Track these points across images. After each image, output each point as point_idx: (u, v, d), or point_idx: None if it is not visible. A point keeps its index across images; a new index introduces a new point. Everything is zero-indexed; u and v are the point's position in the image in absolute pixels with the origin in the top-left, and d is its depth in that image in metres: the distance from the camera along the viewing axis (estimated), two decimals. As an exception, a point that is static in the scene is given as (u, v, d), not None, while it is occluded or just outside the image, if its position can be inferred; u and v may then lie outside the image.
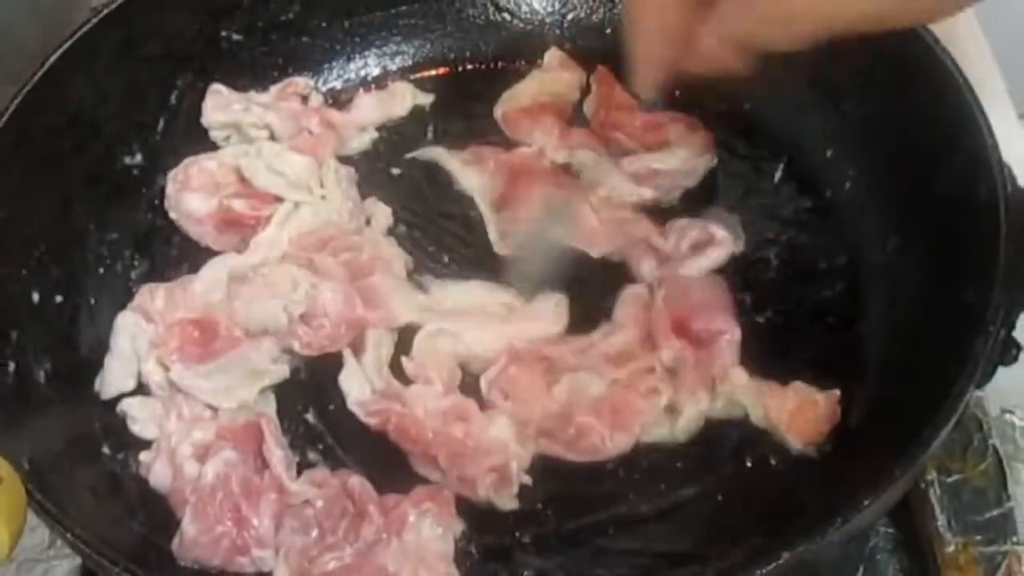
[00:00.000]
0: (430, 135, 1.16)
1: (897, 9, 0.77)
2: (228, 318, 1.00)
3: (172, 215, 1.09)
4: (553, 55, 1.19)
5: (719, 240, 1.02)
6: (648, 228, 1.04)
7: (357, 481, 0.89)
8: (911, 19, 0.81)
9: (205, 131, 1.13)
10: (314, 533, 0.88)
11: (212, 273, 1.03)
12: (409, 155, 1.14)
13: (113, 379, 0.98)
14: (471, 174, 1.11)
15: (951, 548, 0.89)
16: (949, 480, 0.92)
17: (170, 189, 1.09)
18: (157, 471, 0.93)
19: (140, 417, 0.97)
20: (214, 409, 0.96)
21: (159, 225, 1.09)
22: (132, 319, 1.01)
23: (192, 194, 1.08)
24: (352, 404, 0.97)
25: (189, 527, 0.87)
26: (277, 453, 0.90)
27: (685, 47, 0.84)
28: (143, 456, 0.95)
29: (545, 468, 0.92)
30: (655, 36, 0.85)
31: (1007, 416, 0.96)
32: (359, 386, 0.98)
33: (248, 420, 0.94)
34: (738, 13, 0.80)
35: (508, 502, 0.90)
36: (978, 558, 0.89)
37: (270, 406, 0.98)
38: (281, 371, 0.99)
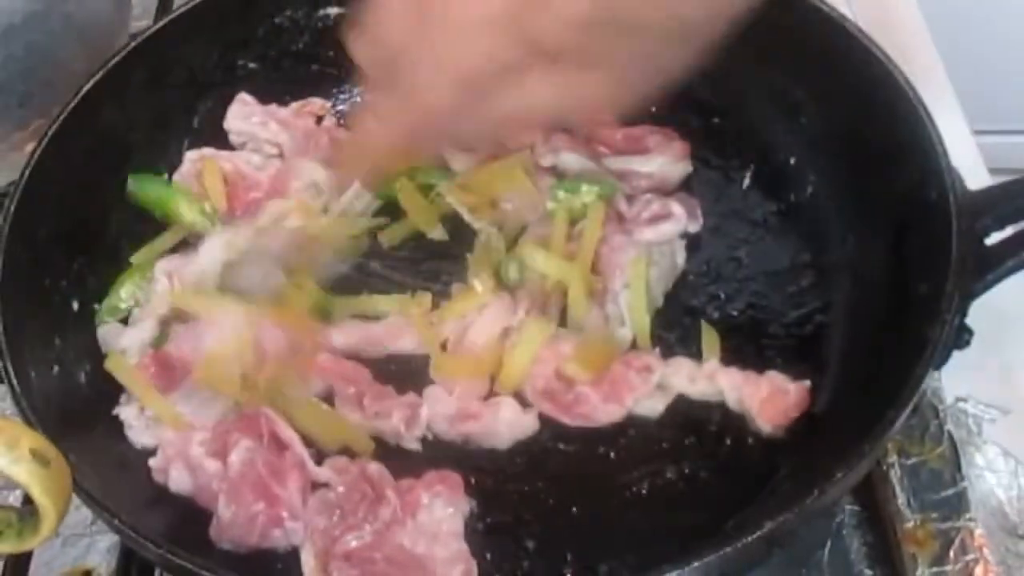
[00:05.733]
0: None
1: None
2: None
3: (196, 230, 1.09)
4: None
5: (676, 216, 1.04)
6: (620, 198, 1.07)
7: (375, 468, 0.91)
8: None
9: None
10: (336, 515, 0.89)
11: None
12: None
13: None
14: (461, 160, 1.09)
15: (910, 524, 0.91)
16: (908, 462, 0.94)
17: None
18: (175, 476, 0.91)
19: (136, 425, 0.95)
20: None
21: (183, 239, 1.09)
22: None
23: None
24: None
25: (225, 511, 0.88)
26: (289, 433, 0.91)
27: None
28: (152, 463, 0.93)
29: (545, 453, 0.94)
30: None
31: (960, 404, 0.98)
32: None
33: (245, 414, 0.93)
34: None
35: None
36: (935, 533, 0.91)
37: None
38: None
